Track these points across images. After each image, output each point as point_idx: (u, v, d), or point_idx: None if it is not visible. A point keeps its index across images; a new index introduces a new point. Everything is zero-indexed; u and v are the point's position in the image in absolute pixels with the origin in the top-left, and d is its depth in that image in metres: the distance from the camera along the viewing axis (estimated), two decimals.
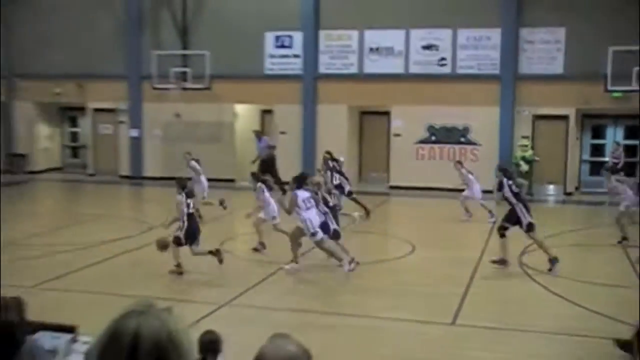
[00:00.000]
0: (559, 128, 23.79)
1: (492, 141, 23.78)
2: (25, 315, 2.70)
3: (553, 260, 13.49)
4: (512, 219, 13.89)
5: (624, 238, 15.87)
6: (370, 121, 26.42)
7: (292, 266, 13.62)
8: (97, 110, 28.48)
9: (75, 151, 30.41)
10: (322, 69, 25.32)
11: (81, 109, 29.02)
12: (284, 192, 18.92)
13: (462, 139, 24.31)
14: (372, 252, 15.85)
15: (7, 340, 2.58)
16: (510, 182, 14.15)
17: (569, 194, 23.60)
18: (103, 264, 14.23)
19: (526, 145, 23.54)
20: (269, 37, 25.70)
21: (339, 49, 25.14)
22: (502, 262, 13.84)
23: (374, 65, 24.83)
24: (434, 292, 12.39)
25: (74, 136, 30.51)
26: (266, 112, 27.00)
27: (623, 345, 8.82)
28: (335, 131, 24.94)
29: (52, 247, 15.59)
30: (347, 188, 18.90)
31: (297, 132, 25.37)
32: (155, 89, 25.97)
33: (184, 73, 25.72)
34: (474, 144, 24.14)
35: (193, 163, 19.35)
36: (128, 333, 1.93)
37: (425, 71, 24.33)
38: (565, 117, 23.62)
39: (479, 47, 23.94)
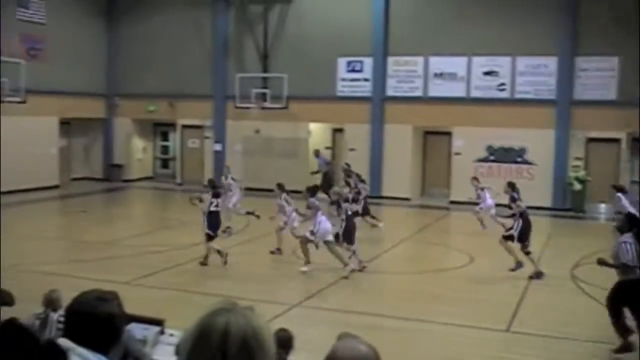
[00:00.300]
0: (611, 150, 23.17)
1: (547, 161, 23.33)
2: (123, 308, 2.73)
3: (518, 264, 13.67)
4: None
5: None
6: (433, 140, 26.23)
7: (308, 267, 13.73)
8: (185, 126, 29.00)
9: (165, 162, 30.99)
10: (390, 92, 25.27)
11: (172, 125, 29.63)
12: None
13: (519, 159, 23.89)
14: (434, 262, 15.70)
15: (109, 330, 2.62)
16: (517, 198, 14.23)
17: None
18: (187, 265, 14.44)
19: (579, 166, 23.02)
20: (342, 62, 25.79)
21: (405, 73, 25.07)
22: (534, 273, 13.68)
23: (438, 89, 24.67)
24: (491, 300, 12.18)
25: (165, 149, 31.11)
26: (337, 131, 27.07)
27: (619, 350, 9.18)
28: (401, 149, 24.88)
29: (143, 248, 15.92)
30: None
31: (365, 149, 25.34)
32: (237, 107, 26.32)
33: (264, 94, 25.99)
34: (530, 163, 23.70)
35: (229, 180, 19.20)
36: (218, 329, 1.93)
37: (485, 95, 24.06)
38: (616, 141, 23.01)
39: (536, 74, 23.56)
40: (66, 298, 7.33)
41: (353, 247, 13.81)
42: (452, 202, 24.22)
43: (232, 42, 27.56)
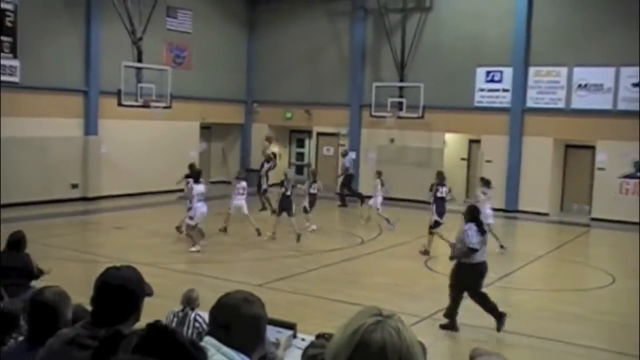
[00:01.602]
0: None
1: None
2: (266, 311, 2.79)
3: (425, 252, 16.01)
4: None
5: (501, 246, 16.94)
6: (574, 154, 25.21)
7: (196, 247, 15.78)
8: (320, 134, 29.43)
9: (299, 169, 31.54)
10: (530, 103, 24.55)
11: (307, 132, 30.16)
12: (362, 201, 22.98)
13: None
14: (572, 281, 15.10)
15: (254, 331, 2.68)
16: (439, 187, 16.65)
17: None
18: (318, 270, 14.63)
19: None
20: (480, 72, 25.31)
21: (547, 84, 24.26)
22: (426, 252, 16.02)
23: (582, 100, 23.69)
24: (632, 324, 11.55)
25: (300, 156, 31.69)
26: (474, 142, 26.60)
27: (444, 326, 10.74)
28: (540, 162, 24.09)
29: (277, 252, 16.27)
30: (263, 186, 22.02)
31: (502, 162, 24.73)
32: (372, 116, 26.40)
33: (400, 103, 25.90)
34: None
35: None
36: (376, 344, 1.84)
37: (634, 108, 22.76)
38: None
39: None
40: (200, 297, 7.61)
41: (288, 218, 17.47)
42: (594, 219, 23.19)
43: (369, 51, 27.74)
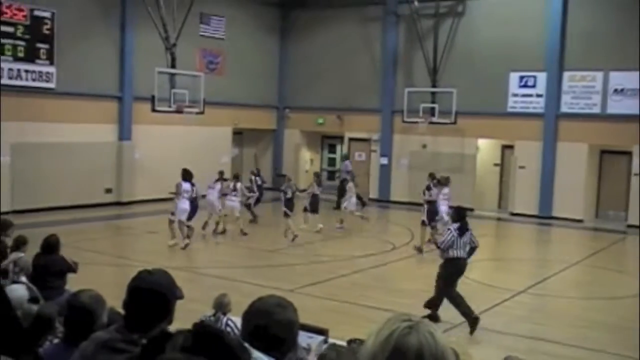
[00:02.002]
0: None
1: None
2: (298, 316, 2.80)
3: (419, 248, 17.00)
4: (429, 215, 17.47)
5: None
6: (610, 160, 24.88)
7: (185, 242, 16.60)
8: (352, 139, 29.42)
9: (331, 174, 31.55)
10: (564, 108, 24.29)
11: (339, 138, 30.16)
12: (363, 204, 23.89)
13: None
14: (606, 288, 14.90)
15: (287, 336, 2.70)
16: (428, 190, 17.79)
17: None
18: (349, 276, 14.62)
19: None
20: (514, 77, 25.12)
21: (582, 89, 23.98)
22: (419, 249, 16.99)
23: (618, 105, 23.36)
24: None
25: (332, 161, 31.71)
26: (507, 147, 26.39)
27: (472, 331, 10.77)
28: (574, 168, 23.81)
29: (308, 258, 16.30)
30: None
31: (535, 168, 24.50)
32: (405, 122, 26.34)
33: (432, 109, 25.81)
34: None
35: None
36: (412, 350, 1.82)
37: None
38: None
39: None
40: (232, 302, 7.66)
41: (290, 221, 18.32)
42: (630, 226, 22.85)
43: (401, 56, 27.70)
